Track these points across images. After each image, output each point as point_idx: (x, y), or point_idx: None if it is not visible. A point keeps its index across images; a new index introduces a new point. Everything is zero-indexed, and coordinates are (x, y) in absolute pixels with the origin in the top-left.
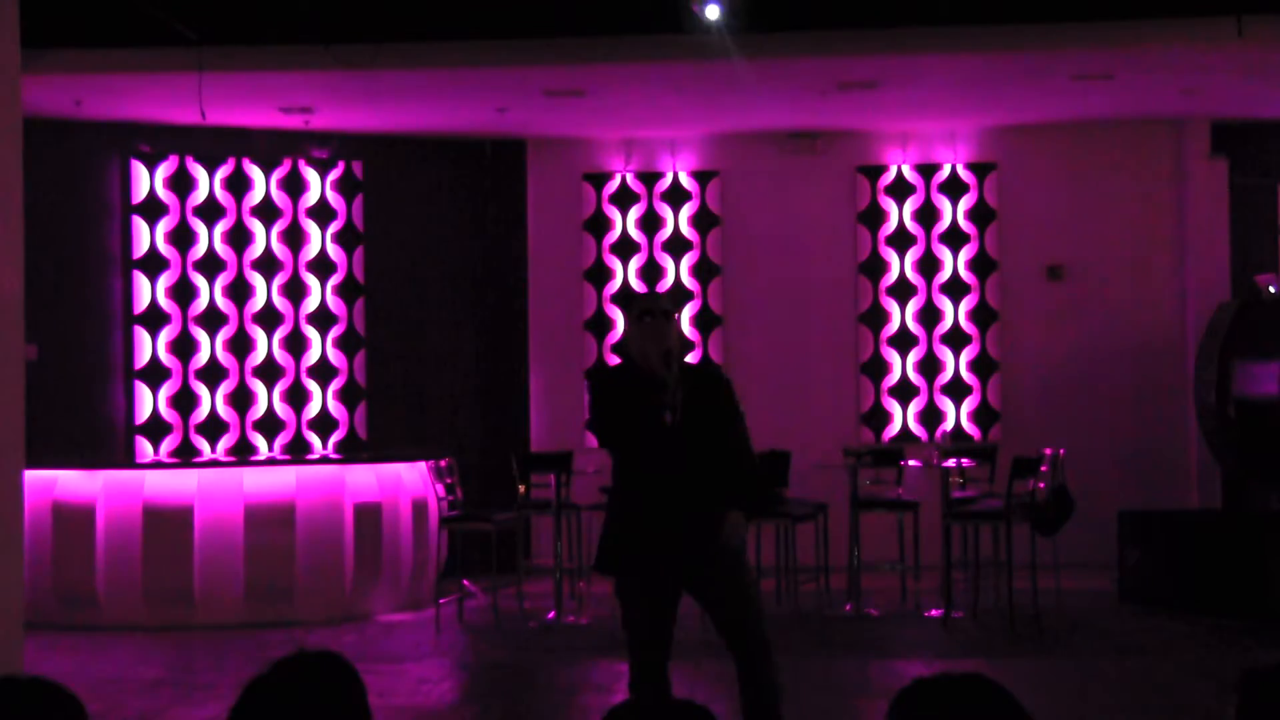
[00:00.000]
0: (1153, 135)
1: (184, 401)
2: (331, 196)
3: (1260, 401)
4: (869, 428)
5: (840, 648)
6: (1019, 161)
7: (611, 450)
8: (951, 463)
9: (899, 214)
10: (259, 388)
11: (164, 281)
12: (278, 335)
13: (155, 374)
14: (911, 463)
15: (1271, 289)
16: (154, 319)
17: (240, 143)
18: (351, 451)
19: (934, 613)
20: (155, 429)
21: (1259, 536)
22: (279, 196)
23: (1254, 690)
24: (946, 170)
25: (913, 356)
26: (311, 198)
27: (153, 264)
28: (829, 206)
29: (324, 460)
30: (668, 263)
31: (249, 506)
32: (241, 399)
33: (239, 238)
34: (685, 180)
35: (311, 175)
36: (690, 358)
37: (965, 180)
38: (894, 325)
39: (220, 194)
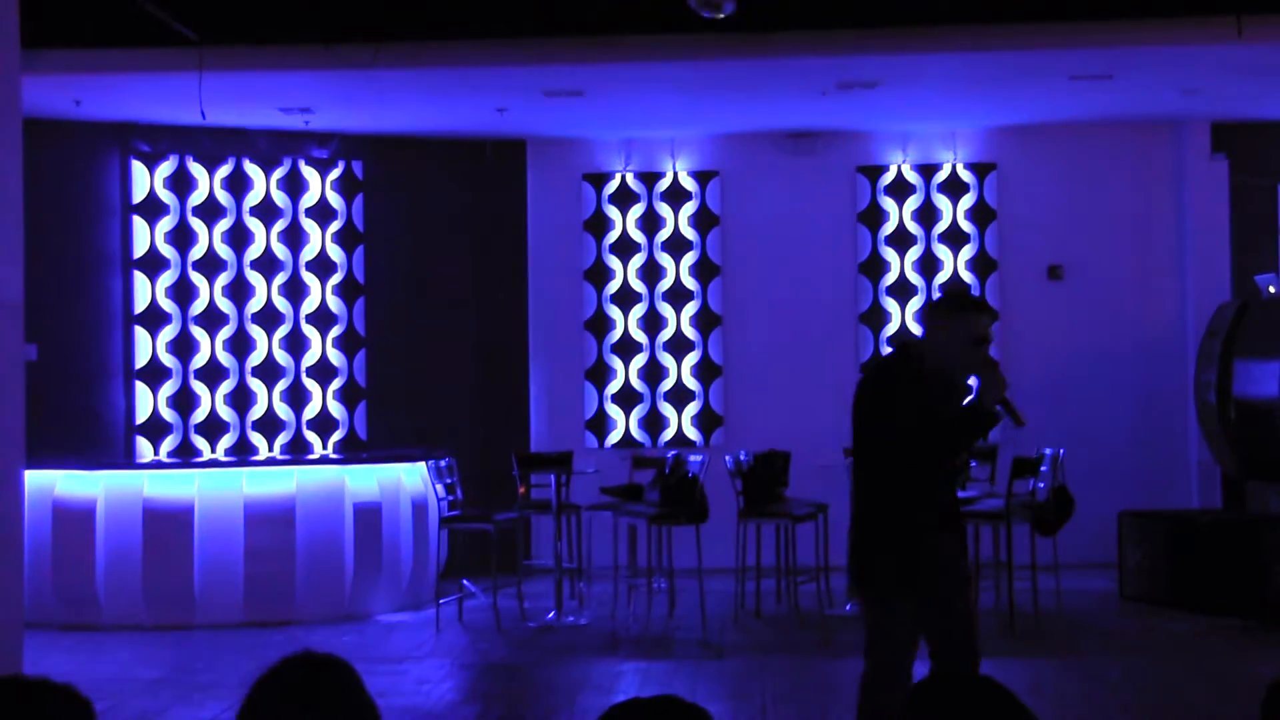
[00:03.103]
0: (1153, 135)
1: (184, 401)
2: (331, 196)
3: (1260, 401)
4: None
5: (840, 648)
6: (1019, 161)
7: (909, 458)
8: None
9: (899, 214)
10: (259, 388)
11: (164, 281)
12: (278, 335)
13: (155, 374)
14: None
15: (1271, 289)
16: (154, 319)
17: (240, 143)
18: (351, 451)
19: None
20: (155, 429)
21: (1259, 536)
22: (279, 196)
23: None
24: (946, 170)
25: None
26: (311, 198)
27: (153, 264)
28: (829, 206)
29: (324, 460)
30: (668, 263)
31: (249, 506)
32: (241, 399)
33: (239, 238)
34: (685, 180)
35: (311, 175)
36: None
37: (965, 180)
38: (894, 325)
39: (220, 194)
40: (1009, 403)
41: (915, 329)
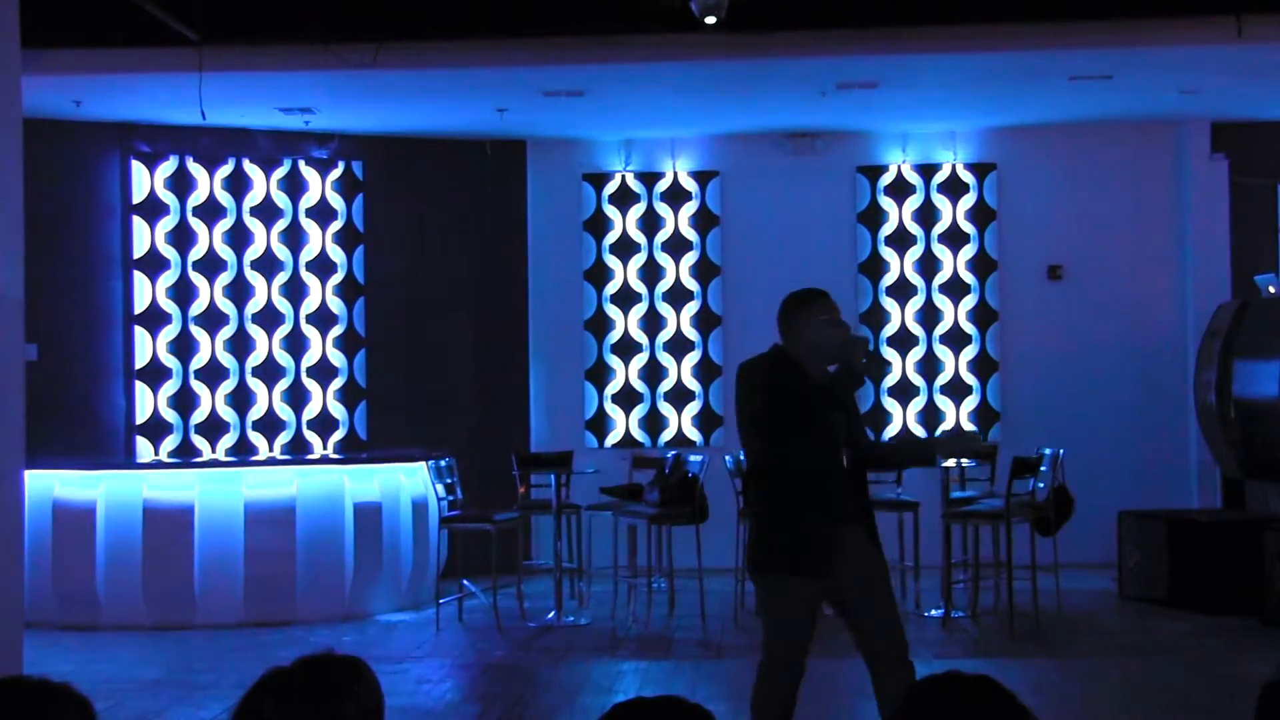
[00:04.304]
0: (1153, 135)
1: (184, 401)
2: (331, 196)
3: (1260, 401)
4: (868, 427)
5: (840, 648)
6: (1019, 162)
7: (780, 448)
8: (952, 462)
9: (899, 214)
10: (259, 388)
11: (164, 281)
12: (278, 335)
13: (155, 374)
14: None
15: (1271, 289)
16: (154, 319)
17: (240, 143)
18: (351, 451)
19: (934, 613)
20: (155, 429)
21: (1259, 536)
22: (279, 196)
23: (1273, 703)
24: (946, 170)
25: (913, 356)
26: (311, 198)
27: (153, 264)
28: (829, 206)
29: (324, 460)
30: (668, 263)
31: (249, 506)
32: (241, 399)
33: (239, 238)
34: (685, 180)
35: (311, 175)
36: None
37: (965, 180)
38: (894, 325)
39: (220, 194)
40: (872, 354)
41: (915, 329)
